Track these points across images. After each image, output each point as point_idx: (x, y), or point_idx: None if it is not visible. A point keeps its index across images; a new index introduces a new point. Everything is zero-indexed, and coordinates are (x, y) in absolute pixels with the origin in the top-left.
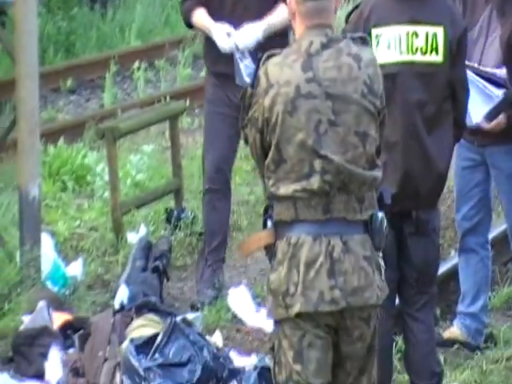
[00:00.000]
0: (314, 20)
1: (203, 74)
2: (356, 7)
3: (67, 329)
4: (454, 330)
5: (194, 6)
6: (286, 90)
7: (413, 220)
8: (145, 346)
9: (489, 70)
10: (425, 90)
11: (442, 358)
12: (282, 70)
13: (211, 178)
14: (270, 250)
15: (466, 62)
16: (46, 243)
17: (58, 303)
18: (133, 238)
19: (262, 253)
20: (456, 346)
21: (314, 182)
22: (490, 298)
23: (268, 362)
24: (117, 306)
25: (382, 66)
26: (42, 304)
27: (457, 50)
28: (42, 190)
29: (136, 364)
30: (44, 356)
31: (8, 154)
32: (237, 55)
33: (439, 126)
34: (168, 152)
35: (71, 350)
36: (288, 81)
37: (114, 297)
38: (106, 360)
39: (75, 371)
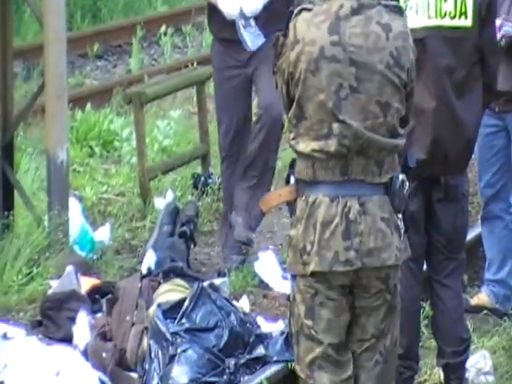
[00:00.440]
0: None
1: None
2: None
3: (95, 293)
4: (481, 297)
5: None
6: (311, 49)
7: (442, 185)
8: (172, 311)
9: None
10: (454, 55)
11: (469, 325)
12: (309, 28)
13: (227, 148)
14: (292, 206)
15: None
16: (74, 208)
17: (85, 268)
18: (160, 203)
19: (289, 219)
20: (484, 313)
21: (332, 145)
22: None
23: None
24: (144, 270)
25: (411, 31)
26: (69, 269)
27: (486, 14)
28: (69, 155)
29: (163, 329)
30: (72, 320)
31: (36, 119)
32: (239, 22)
33: (469, 91)
34: (195, 117)
35: (99, 315)
36: (313, 40)
37: (141, 262)
38: (133, 324)
39: (103, 335)
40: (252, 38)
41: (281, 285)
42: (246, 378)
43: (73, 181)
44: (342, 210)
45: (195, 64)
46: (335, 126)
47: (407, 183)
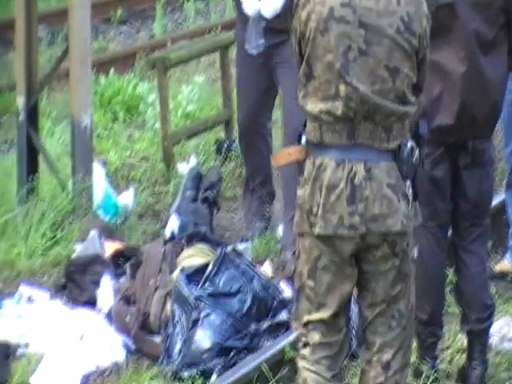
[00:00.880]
0: None
1: None
2: None
3: (118, 257)
4: (505, 263)
5: None
6: (321, 8)
7: (468, 151)
8: (195, 276)
9: None
10: (482, 19)
11: (493, 291)
12: None
13: (243, 130)
14: (301, 166)
15: None
16: (98, 172)
17: (109, 232)
18: (183, 168)
19: None
20: (508, 279)
21: (338, 107)
22: None
23: None
24: (167, 235)
25: None
26: (93, 233)
27: None
28: (93, 119)
29: (187, 293)
30: (96, 284)
31: (60, 83)
32: (252, 22)
33: (495, 52)
34: (218, 83)
35: (122, 279)
36: (324, 0)
37: (164, 226)
38: (156, 288)
39: (126, 299)
40: (254, 43)
41: None
42: (269, 343)
43: (97, 145)
44: (348, 174)
45: (219, 29)
46: (342, 87)
47: (417, 151)
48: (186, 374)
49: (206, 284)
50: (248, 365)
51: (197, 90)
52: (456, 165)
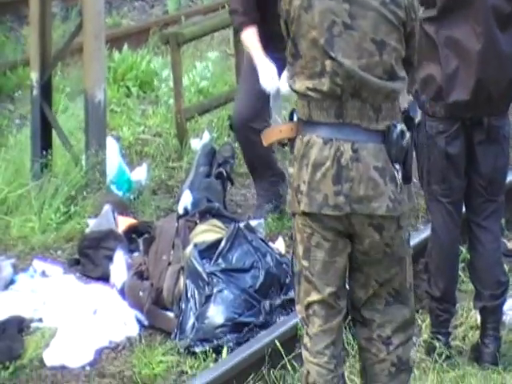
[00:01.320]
0: None
1: None
2: None
3: (132, 232)
4: None
5: (246, 24)
6: None
7: (484, 127)
8: (208, 251)
9: None
10: None
11: (507, 268)
12: None
13: (237, 130)
14: (292, 144)
15: None
16: (111, 148)
17: (122, 207)
18: (196, 144)
19: None
20: None
21: (325, 83)
22: None
23: None
24: (180, 211)
25: None
26: (107, 208)
27: None
28: (106, 94)
29: (200, 269)
30: (109, 259)
31: (74, 59)
32: (272, 99)
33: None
34: (232, 59)
35: (136, 254)
36: None
37: (177, 202)
38: (169, 264)
39: (140, 274)
40: (273, 117)
41: None
42: (282, 318)
43: (110, 121)
44: (335, 153)
45: None
46: (327, 63)
47: (408, 134)
48: (198, 349)
49: (219, 260)
50: (261, 341)
51: (210, 66)
52: (471, 141)
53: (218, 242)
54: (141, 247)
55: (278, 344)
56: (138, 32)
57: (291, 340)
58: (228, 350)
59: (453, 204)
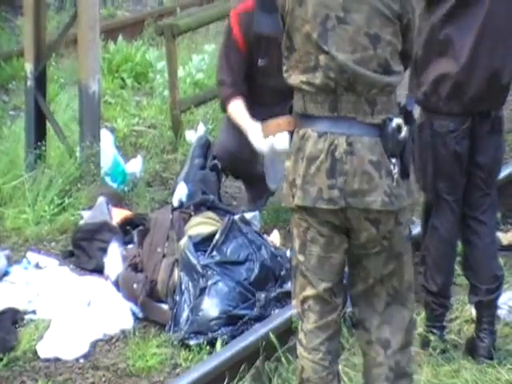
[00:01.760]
0: None
1: None
2: None
3: (126, 224)
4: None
5: (233, 96)
6: None
7: (491, 118)
8: (203, 244)
9: None
10: None
11: (502, 263)
12: None
13: (222, 160)
14: (291, 137)
15: None
16: (106, 139)
17: (117, 199)
18: (191, 136)
19: None
20: None
21: (318, 77)
22: None
23: None
24: (175, 203)
25: None
26: (101, 199)
27: None
28: (101, 86)
29: (194, 261)
30: (103, 251)
31: (68, 50)
32: (268, 158)
33: None
34: None
35: (130, 246)
36: None
37: (172, 194)
38: (164, 256)
39: (134, 266)
40: (273, 179)
41: None
42: (277, 311)
43: (104, 112)
44: (329, 146)
45: None
46: (321, 57)
47: (405, 128)
48: (192, 341)
49: (214, 252)
50: (255, 333)
51: (206, 58)
52: (475, 136)
53: (213, 234)
54: (135, 239)
55: (272, 337)
56: (133, 23)
57: (286, 333)
58: (222, 343)
59: (456, 202)
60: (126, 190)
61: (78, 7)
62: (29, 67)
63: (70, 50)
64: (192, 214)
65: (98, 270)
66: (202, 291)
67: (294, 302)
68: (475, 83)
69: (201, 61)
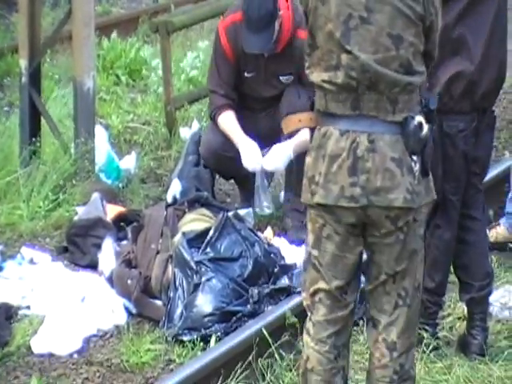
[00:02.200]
0: None
1: None
2: None
3: (120, 221)
4: (500, 230)
5: (224, 107)
6: None
7: (489, 114)
8: (197, 240)
9: None
10: None
11: (494, 260)
12: None
13: (206, 159)
14: (312, 134)
15: None
16: (100, 136)
17: (111, 195)
18: (185, 133)
19: None
20: (509, 248)
21: (340, 76)
22: None
23: None
24: (169, 199)
25: None
26: (96, 195)
27: None
28: (96, 82)
29: (188, 257)
30: (97, 247)
31: (63, 46)
32: (258, 182)
33: None
34: None
35: (124, 242)
36: None
37: (166, 191)
38: (158, 252)
39: (128, 262)
40: (259, 205)
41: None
42: (270, 307)
43: (99, 109)
44: (351, 144)
45: None
46: (343, 56)
47: (426, 126)
48: (186, 338)
49: (208, 249)
50: (248, 329)
51: (201, 56)
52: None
53: (207, 230)
54: (129, 235)
55: (265, 333)
56: (128, 20)
57: (279, 329)
58: (216, 339)
59: (459, 201)
60: (121, 186)
61: (73, 4)
62: (23, 63)
63: (65, 47)
64: (186, 210)
65: (92, 266)
66: (196, 287)
67: (303, 295)
68: (486, 80)
69: (195, 58)
